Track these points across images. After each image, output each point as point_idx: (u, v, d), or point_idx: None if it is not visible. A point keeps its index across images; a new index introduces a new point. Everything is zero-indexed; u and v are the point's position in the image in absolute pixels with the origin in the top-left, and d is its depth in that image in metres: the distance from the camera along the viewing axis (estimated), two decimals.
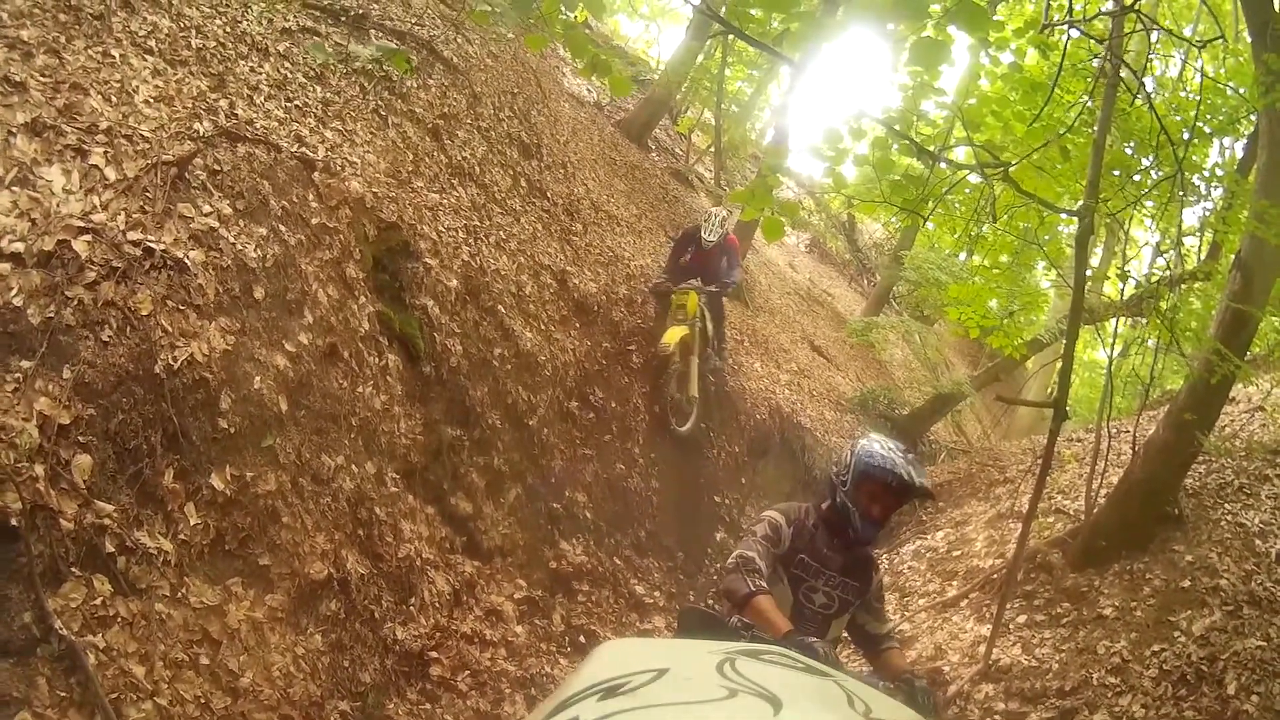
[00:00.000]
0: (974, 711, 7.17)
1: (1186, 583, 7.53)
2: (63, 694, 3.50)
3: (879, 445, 4.20)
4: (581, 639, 7.45)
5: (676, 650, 2.35)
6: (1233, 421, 10.09)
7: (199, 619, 4.29)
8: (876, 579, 4.48)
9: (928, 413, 15.92)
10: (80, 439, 3.93)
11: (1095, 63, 8.20)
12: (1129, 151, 8.07)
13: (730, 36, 15.17)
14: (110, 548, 3.91)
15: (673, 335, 9.68)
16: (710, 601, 8.56)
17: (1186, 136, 7.82)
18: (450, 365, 7.22)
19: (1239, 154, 10.80)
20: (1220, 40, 8.42)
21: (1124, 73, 7.29)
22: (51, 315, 3.96)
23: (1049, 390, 18.87)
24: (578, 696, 1.64)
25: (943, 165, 7.11)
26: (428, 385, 7.00)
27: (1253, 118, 8.43)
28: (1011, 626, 7.89)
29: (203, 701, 4.12)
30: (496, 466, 7.60)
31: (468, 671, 6.25)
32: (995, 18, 6.58)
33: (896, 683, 3.81)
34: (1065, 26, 7.31)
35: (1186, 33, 10.79)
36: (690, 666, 1.78)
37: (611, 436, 9.32)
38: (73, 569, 3.73)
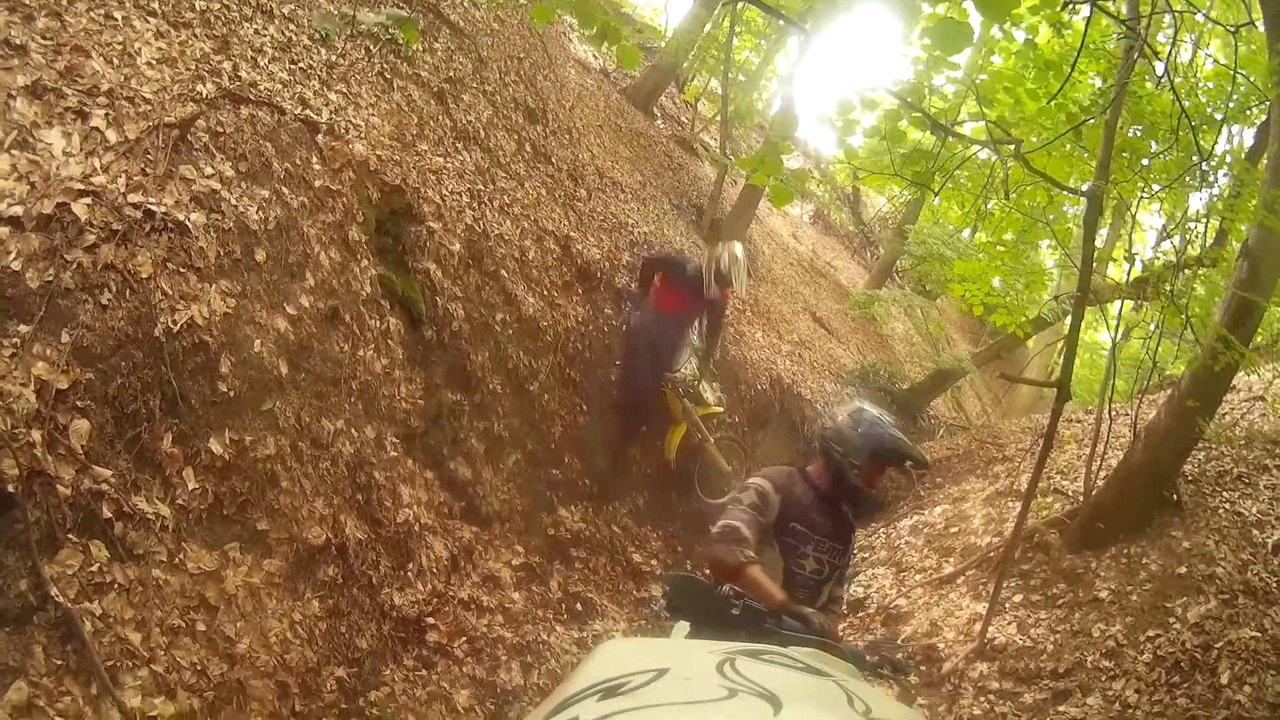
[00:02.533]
0: (968, 689, 7.19)
1: (1183, 569, 7.55)
2: (59, 662, 3.50)
3: (871, 412, 4.23)
4: (578, 606, 7.48)
5: (676, 650, 2.36)
6: (1233, 410, 10.09)
7: (196, 585, 4.28)
8: (853, 540, 4.46)
9: (928, 388, 15.92)
10: (78, 404, 3.90)
11: (1113, 43, 8.13)
12: (1135, 133, 7.99)
13: (739, 4, 15.03)
14: (107, 513, 3.89)
15: (672, 445, 9.58)
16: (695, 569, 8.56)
17: (1192, 124, 7.76)
18: (452, 330, 7.19)
19: (1246, 142, 10.73)
20: (1250, 25, 8.29)
21: (1138, 52, 7.22)
22: (50, 279, 3.92)
23: (1050, 370, 18.92)
24: (578, 696, 1.64)
25: (954, 140, 7.05)
26: (429, 349, 6.98)
27: (1263, 106, 8.36)
28: (1007, 606, 7.92)
29: (199, 668, 4.12)
30: (496, 432, 7.59)
31: (464, 638, 6.27)
32: None
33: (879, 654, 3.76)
34: (1085, 5, 7.21)
35: (1199, 18, 10.63)
36: (690, 666, 1.78)
37: (611, 404, 9.29)
38: (69, 535, 3.72)
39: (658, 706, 1.55)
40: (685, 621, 3.63)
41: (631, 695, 1.60)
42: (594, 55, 16.53)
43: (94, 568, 3.77)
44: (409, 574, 6.11)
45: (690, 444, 9.57)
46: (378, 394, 6.18)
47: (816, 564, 4.20)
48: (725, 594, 3.44)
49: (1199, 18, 10.26)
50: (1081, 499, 8.83)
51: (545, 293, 8.61)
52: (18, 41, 4.42)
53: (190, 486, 4.40)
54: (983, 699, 7.09)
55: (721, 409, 9.89)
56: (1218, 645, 6.74)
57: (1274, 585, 7.15)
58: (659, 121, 17.17)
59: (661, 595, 3.94)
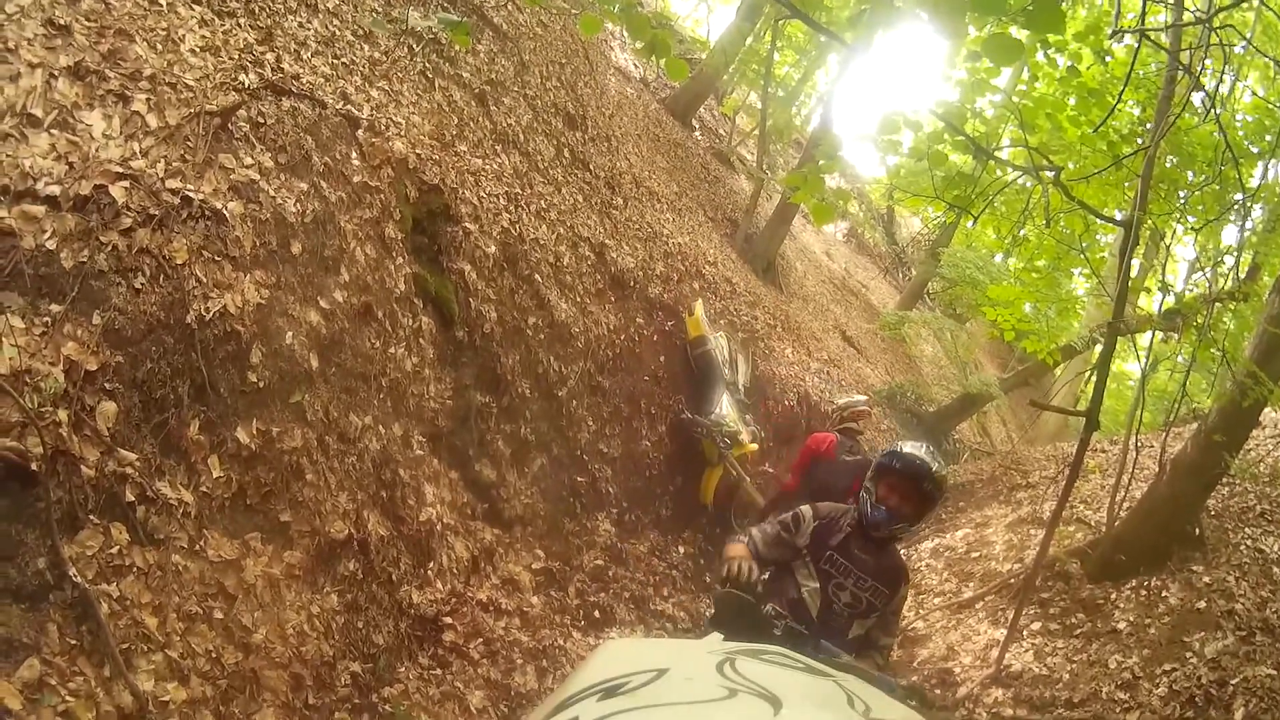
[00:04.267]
0: (982, 715, 7.14)
1: (1202, 604, 7.48)
2: (73, 642, 3.49)
3: (902, 442, 4.44)
4: (597, 614, 7.44)
5: (676, 650, 2.38)
6: (1258, 446, 9.98)
7: (215, 572, 4.27)
8: (903, 590, 4.48)
9: (954, 411, 15.90)
10: (106, 386, 3.90)
11: (1157, 71, 8.07)
12: (1171, 163, 7.93)
13: (780, 20, 15.04)
14: (130, 497, 3.89)
15: (709, 488, 9.65)
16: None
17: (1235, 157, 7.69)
18: (483, 331, 7.19)
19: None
20: None
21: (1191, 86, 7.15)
22: (84, 260, 3.92)
23: (1077, 398, 18.83)
24: (578, 696, 1.65)
25: (995, 164, 7.02)
26: (459, 350, 6.97)
27: None
28: (1025, 633, 7.88)
29: (214, 656, 4.11)
30: (523, 435, 7.58)
31: (481, 639, 6.25)
32: None
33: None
34: (1133, 34, 7.16)
35: (1238, 49, 10.55)
36: (690, 666, 1.79)
37: (639, 414, 9.27)
38: (90, 516, 3.71)
39: (658, 706, 1.55)
40: (716, 635, 3.66)
41: (631, 695, 1.61)
42: (634, 64, 16.59)
43: (114, 550, 3.76)
44: (429, 573, 6.10)
45: (726, 483, 9.56)
46: (407, 392, 6.18)
47: (852, 598, 4.26)
48: (768, 614, 3.51)
49: (1238, 49, 10.14)
50: (1104, 529, 8.76)
51: (578, 299, 8.60)
52: (62, 22, 4.44)
53: (215, 474, 4.39)
54: None
55: (756, 446, 9.85)
56: (1233, 681, 6.66)
57: None
58: (697, 133, 17.21)
59: (708, 611, 4.05)
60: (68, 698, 3.38)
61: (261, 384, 4.75)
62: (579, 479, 8.28)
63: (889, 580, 4.34)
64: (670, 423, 9.69)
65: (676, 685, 1.67)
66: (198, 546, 4.21)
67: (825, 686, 1.89)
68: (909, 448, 4.25)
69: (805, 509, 4.39)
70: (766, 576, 4.32)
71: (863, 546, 4.29)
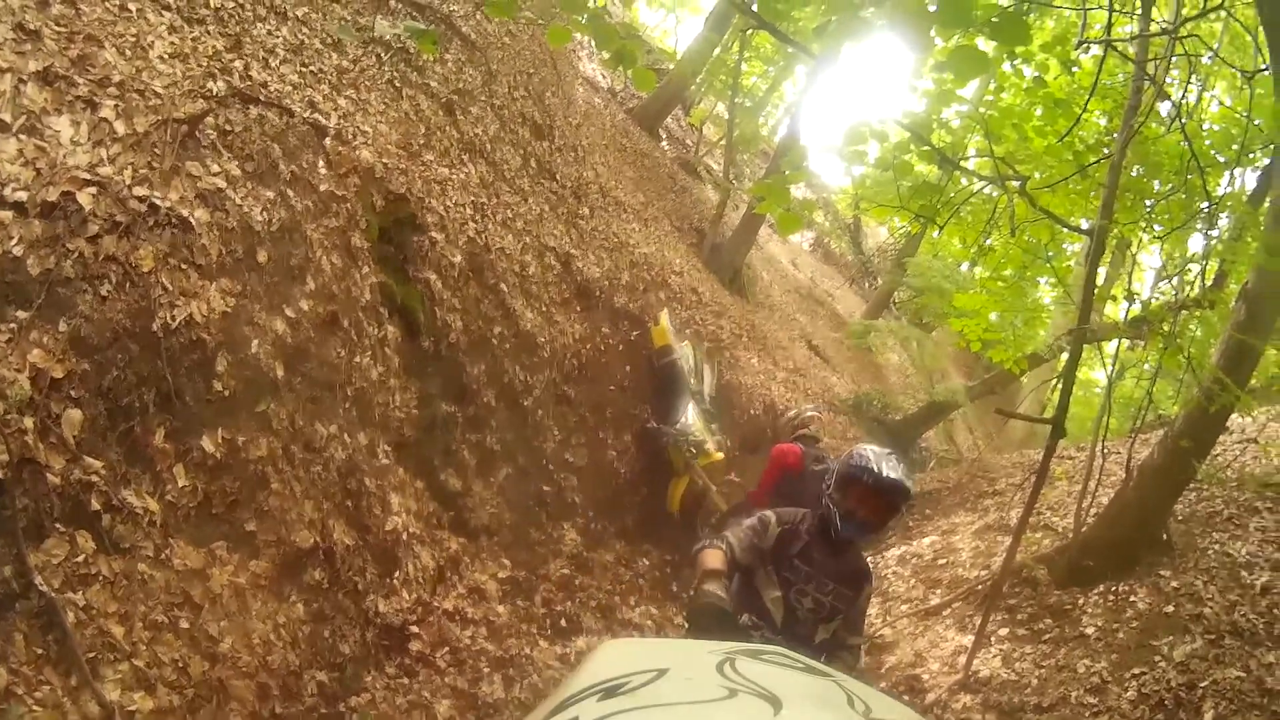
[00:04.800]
0: None
1: (1170, 608, 7.54)
2: (39, 651, 3.47)
3: (866, 450, 4.33)
4: (564, 623, 7.43)
5: (676, 650, 2.37)
6: (1225, 451, 10.09)
7: (181, 581, 4.26)
8: (866, 590, 4.51)
9: (921, 419, 15.98)
10: (72, 393, 3.88)
11: (1124, 81, 8.16)
12: (1138, 173, 8.02)
13: (748, 30, 15.12)
14: (96, 505, 3.87)
15: (675, 497, 9.66)
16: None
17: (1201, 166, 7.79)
18: (449, 341, 7.19)
19: (1246, 183, 10.76)
20: (1265, 70, 8.31)
21: (1157, 95, 7.25)
22: (51, 267, 3.91)
23: (1043, 406, 18.98)
24: (578, 696, 1.65)
25: (960, 174, 7.08)
26: (425, 359, 6.97)
27: (1267, 149, 8.38)
28: (993, 639, 7.92)
29: (180, 665, 4.09)
30: (489, 445, 7.58)
31: (447, 648, 6.24)
32: None
33: None
34: (1100, 44, 7.24)
35: (1205, 59, 10.68)
36: (690, 666, 1.79)
37: (604, 423, 9.28)
38: (56, 525, 3.69)
39: (658, 706, 1.56)
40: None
41: (632, 695, 1.61)
42: (602, 74, 16.63)
43: (80, 558, 3.74)
44: (395, 582, 6.08)
45: (693, 492, 9.58)
46: (372, 401, 6.17)
47: (815, 603, 4.29)
48: (745, 623, 3.53)
49: (1205, 59, 10.28)
50: (1071, 535, 8.83)
51: (544, 309, 8.61)
52: (31, 26, 4.42)
53: (180, 483, 4.37)
54: None
55: (722, 455, 9.88)
56: (1203, 684, 6.73)
57: (1261, 627, 7.14)
58: (664, 143, 17.28)
59: (684, 619, 4.05)
60: (34, 707, 3.36)
61: (227, 392, 4.73)
62: (545, 488, 8.28)
63: (851, 582, 4.38)
64: (636, 432, 9.71)
65: (676, 685, 1.68)
66: (164, 555, 4.19)
67: (825, 686, 1.89)
68: (878, 460, 4.20)
69: (769, 514, 4.39)
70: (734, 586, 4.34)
71: (824, 551, 4.31)
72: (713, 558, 4.02)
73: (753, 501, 7.80)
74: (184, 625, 4.20)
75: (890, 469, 4.15)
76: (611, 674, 1.72)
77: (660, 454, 9.62)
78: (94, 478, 3.88)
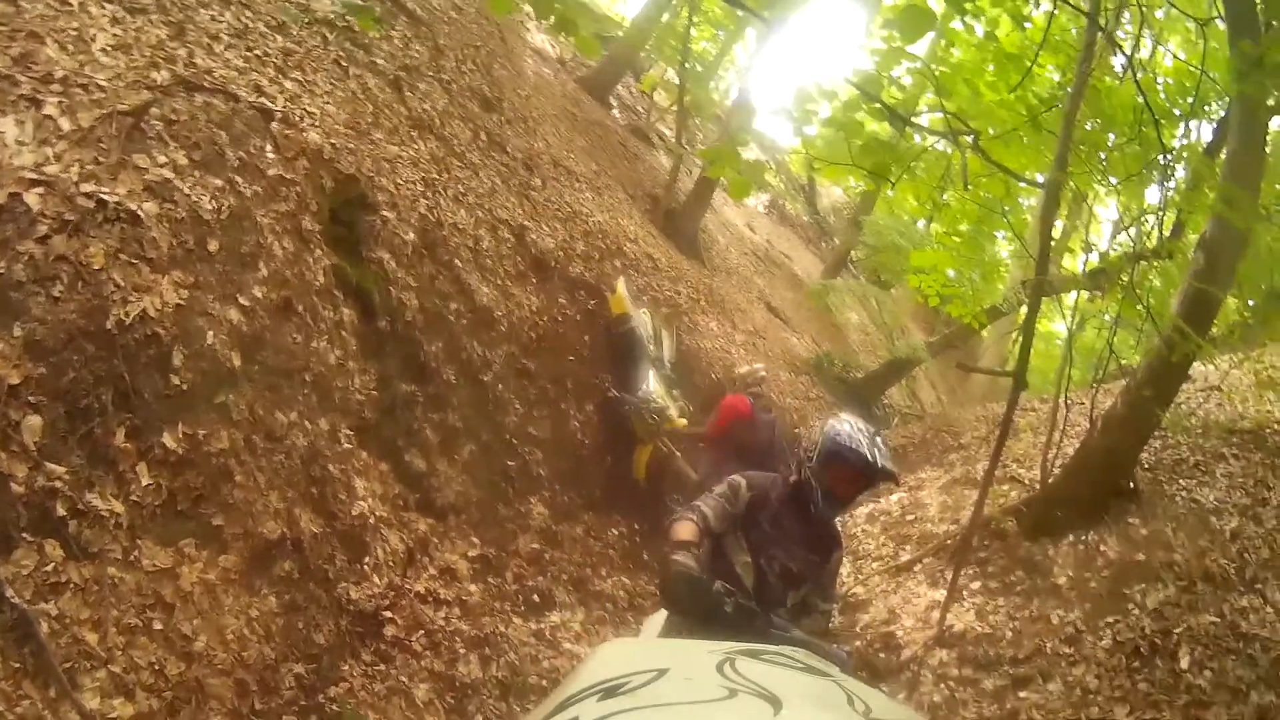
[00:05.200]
0: (927, 677, 7.26)
1: (1141, 556, 7.66)
2: (16, 665, 3.43)
3: (848, 426, 4.29)
4: (536, 598, 7.45)
5: (676, 650, 2.39)
6: (1189, 399, 10.23)
7: (152, 582, 4.21)
8: (836, 555, 4.52)
9: (882, 377, 16.09)
10: (30, 399, 3.82)
11: (1077, 35, 8.19)
12: (1094, 126, 8.07)
13: None
14: (61, 511, 3.82)
15: (640, 464, 9.67)
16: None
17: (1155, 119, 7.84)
18: (406, 320, 7.13)
19: (1201, 135, 10.85)
20: (1214, 20, 8.35)
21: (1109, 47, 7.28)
22: (2, 271, 3.84)
23: (1005, 359, 19.19)
24: (578, 696, 1.66)
25: (912, 130, 7.09)
26: (383, 340, 6.91)
27: (1222, 101, 8.46)
28: (965, 593, 8.00)
29: (157, 668, 4.05)
30: (451, 423, 7.53)
31: (422, 631, 6.22)
32: None
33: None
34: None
35: (1159, 14, 10.73)
36: (690, 666, 1.80)
37: (566, 395, 9.26)
38: (24, 534, 3.65)
39: (658, 706, 1.56)
40: (663, 613, 3.69)
41: (632, 695, 1.61)
42: (551, 44, 16.51)
43: (49, 567, 3.70)
44: (365, 568, 6.05)
45: (658, 459, 9.59)
46: (331, 385, 6.11)
47: (784, 569, 4.25)
48: (718, 591, 3.53)
49: (1159, 14, 10.35)
50: (1038, 487, 8.93)
51: (499, 282, 8.55)
52: None
53: (144, 482, 4.32)
54: (942, 686, 7.16)
55: (685, 421, 9.88)
56: (1177, 631, 6.85)
57: (1232, 571, 7.28)
58: (615, 111, 17.20)
59: (657, 589, 4.04)
60: None
61: (185, 386, 4.67)
62: (510, 463, 8.24)
63: (821, 548, 4.37)
64: (598, 402, 9.69)
65: (676, 685, 1.68)
66: (132, 557, 4.14)
67: (825, 686, 1.91)
68: (868, 445, 4.16)
69: (739, 479, 4.35)
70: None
71: (794, 516, 4.29)
72: (683, 529, 3.99)
73: (707, 443, 8.90)
74: (157, 627, 4.16)
75: (880, 455, 4.14)
76: (611, 674, 1.72)
77: (624, 423, 9.61)
78: (58, 483, 3.83)
